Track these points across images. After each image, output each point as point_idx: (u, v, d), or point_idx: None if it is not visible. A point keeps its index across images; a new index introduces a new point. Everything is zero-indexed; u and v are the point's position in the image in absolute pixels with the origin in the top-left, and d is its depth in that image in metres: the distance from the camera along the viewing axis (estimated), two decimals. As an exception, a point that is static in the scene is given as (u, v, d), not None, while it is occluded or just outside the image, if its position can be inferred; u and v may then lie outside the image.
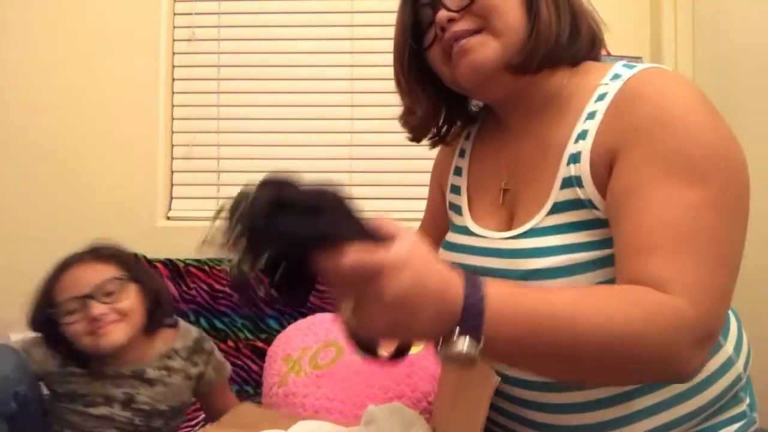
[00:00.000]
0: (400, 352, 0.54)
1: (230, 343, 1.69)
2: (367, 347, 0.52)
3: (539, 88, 0.69)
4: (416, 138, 0.80)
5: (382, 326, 0.47)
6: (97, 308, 1.07)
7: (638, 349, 0.52)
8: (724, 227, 0.57)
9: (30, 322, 1.17)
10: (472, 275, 0.51)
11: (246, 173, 1.95)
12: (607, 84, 0.65)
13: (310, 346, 1.51)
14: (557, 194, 0.65)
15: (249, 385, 1.56)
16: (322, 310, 1.70)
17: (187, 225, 1.88)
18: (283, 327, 1.66)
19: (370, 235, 0.50)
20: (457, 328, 0.48)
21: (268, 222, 0.46)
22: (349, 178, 1.93)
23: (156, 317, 1.18)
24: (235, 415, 1.16)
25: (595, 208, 0.62)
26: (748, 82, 1.56)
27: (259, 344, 1.68)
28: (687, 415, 0.64)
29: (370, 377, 1.37)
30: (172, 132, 1.96)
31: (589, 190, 0.62)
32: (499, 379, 0.65)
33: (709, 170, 0.57)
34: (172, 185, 1.96)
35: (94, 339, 1.08)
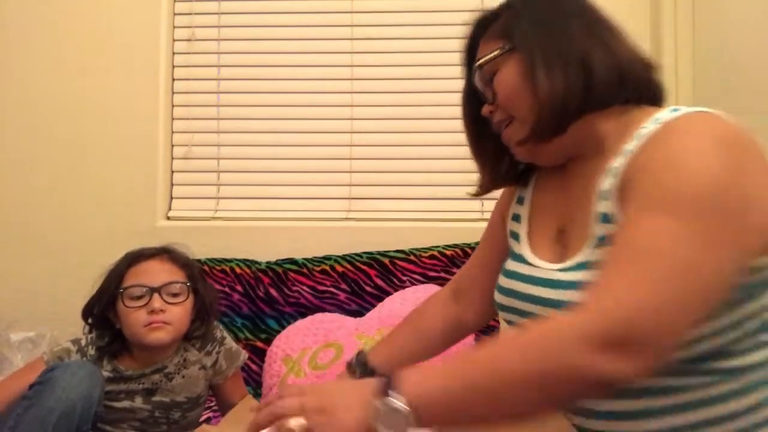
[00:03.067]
0: None
1: (230, 342, 1.69)
2: None
3: (576, 138, 0.74)
4: (482, 190, 0.89)
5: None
6: (159, 303, 1.15)
7: (544, 380, 0.56)
8: (692, 256, 0.57)
9: (88, 305, 1.21)
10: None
11: (246, 173, 1.96)
12: (645, 127, 0.68)
13: (309, 346, 1.51)
14: (597, 229, 0.69)
15: (249, 385, 1.56)
16: (322, 309, 1.70)
17: (187, 225, 1.89)
18: (283, 327, 1.66)
19: None
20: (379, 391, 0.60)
21: None
22: (349, 178, 1.93)
23: (198, 330, 1.24)
24: (236, 415, 1.17)
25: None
26: (748, 82, 1.56)
27: (259, 344, 1.68)
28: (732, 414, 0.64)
29: (369, 377, 1.38)
30: (172, 132, 1.96)
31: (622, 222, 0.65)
32: None
33: (695, 209, 0.59)
34: (172, 185, 1.96)
35: (143, 333, 1.14)
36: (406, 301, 1.54)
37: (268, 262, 1.76)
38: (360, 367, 0.94)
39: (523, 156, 0.80)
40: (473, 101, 0.85)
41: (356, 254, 1.75)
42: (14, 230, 1.88)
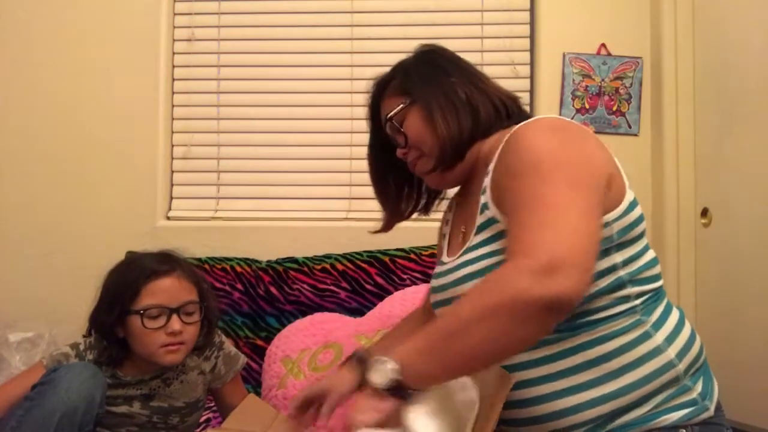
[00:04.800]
0: None
1: (230, 341, 1.68)
2: None
3: (470, 161, 0.95)
4: (385, 228, 1.15)
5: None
6: (178, 325, 1.14)
7: (497, 312, 0.67)
8: (557, 195, 0.73)
9: (95, 316, 1.19)
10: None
11: (246, 173, 1.96)
12: (501, 145, 0.87)
13: (309, 347, 1.51)
14: (479, 218, 0.87)
15: (249, 384, 1.56)
16: (322, 308, 1.70)
17: (187, 225, 1.89)
18: (283, 326, 1.66)
19: None
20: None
21: None
22: (349, 178, 1.94)
23: (198, 339, 1.23)
24: (239, 415, 1.17)
25: (497, 221, 0.83)
26: (747, 82, 1.56)
27: (259, 342, 1.68)
28: (620, 390, 0.78)
29: (369, 377, 1.37)
30: (172, 132, 1.97)
31: (492, 211, 0.83)
32: (514, 378, 0.78)
33: (549, 165, 0.76)
34: (172, 185, 1.97)
35: (159, 354, 1.13)
36: (407, 301, 1.54)
37: (268, 261, 1.77)
38: (357, 361, 0.99)
39: (433, 183, 1.02)
40: (377, 151, 1.11)
41: (356, 253, 1.75)
42: (14, 230, 1.88)
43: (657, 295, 0.85)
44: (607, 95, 1.90)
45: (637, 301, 0.81)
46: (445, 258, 0.99)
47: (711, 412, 0.80)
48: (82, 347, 1.19)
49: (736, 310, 1.54)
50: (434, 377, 0.73)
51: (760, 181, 1.49)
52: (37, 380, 1.05)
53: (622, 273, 0.80)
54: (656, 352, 0.80)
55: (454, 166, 0.94)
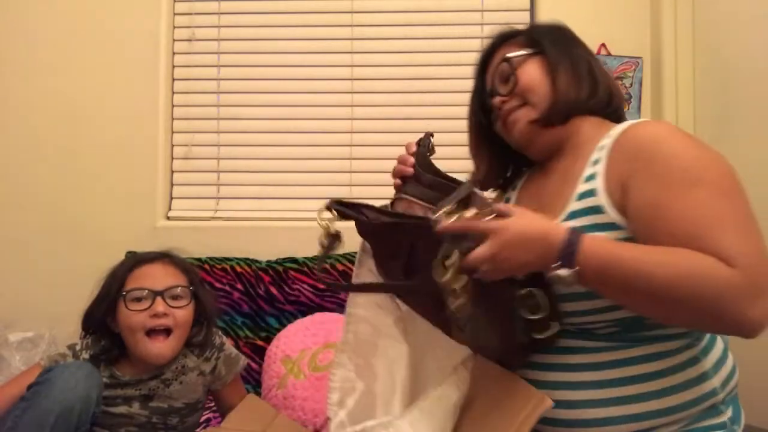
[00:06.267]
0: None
1: (230, 341, 1.68)
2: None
3: (565, 134, 0.92)
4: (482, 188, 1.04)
5: (502, 266, 0.74)
6: (162, 306, 1.14)
7: (699, 289, 0.68)
8: (734, 205, 0.73)
9: (88, 312, 1.20)
10: (574, 229, 0.74)
11: (246, 173, 1.95)
12: (607, 137, 0.85)
13: (309, 347, 1.51)
14: (574, 205, 0.84)
15: (249, 384, 1.56)
16: (322, 308, 1.70)
17: (187, 225, 1.89)
18: (283, 325, 1.66)
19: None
20: (558, 261, 0.72)
21: None
22: (349, 178, 1.93)
23: (197, 336, 1.23)
24: (239, 415, 1.17)
25: (618, 228, 0.79)
26: (747, 82, 1.56)
27: (259, 342, 1.68)
28: (660, 411, 0.77)
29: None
30: (172, 132, 1.97)
31: (612, 215, 0.79)
32: (552, 403, 0.78)
33: (698, 172, 0.75)
34: (172, 185, 1.96)
35: (145, 343, 1.13)
36: (406, 301, 1.54)
37: (268, 261, 1.76)
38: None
39: (520, 138, 0.95)
40: (481, 112, 1.02)
41: (356, 253, 1.74)
42: (14, 230, 1.88)
43: None
44: (608, 95, 1.90)
45: None
46: None
47: None
48: (78, 347, 1.19)
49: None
50: (598, 275, 0.72)
51: (760, 181, 1.48)
52: (34, 379, 1.05)
53: None
54: (703, 378, 0.80)
55: (553, 127, 0.91)
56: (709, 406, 0.79)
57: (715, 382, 0.80)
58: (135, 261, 1.21)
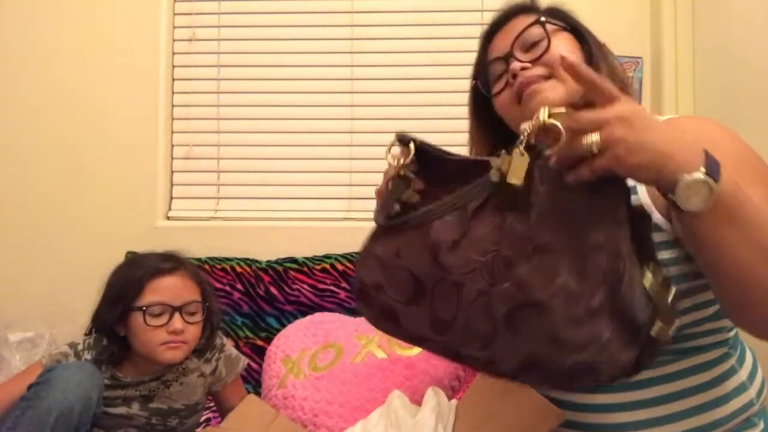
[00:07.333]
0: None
1: (230, 341, 1.69)
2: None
3: None
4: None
5: (636, 148, 0.56)
6: (180, 323, 1.14)
7: None
8: None
9: (98, 314, 1.19)
10: None
11: (246, 173, 1.95)
12: None
13: (309, 347, 1.51)
14: None
15: (249, 384, 1.56)
16: (322, 308, 1.70)
17: (187, 225, 1.89)
18: (283, 326, 1.66)
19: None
20: (704, 165, 0.56)
21: None
22: (349, 178, 1.93)
23: (204, 344, 1.24)
24: (239, 415, 1.17)
25: (660, 229, 0.72)
26: (748, 82, 1.56)
27: (259, 342, 1.68)
28: (703, 426, 0.74)
29: (368, 380, 1.37)
30: (172, 132, 1.96)
31: (655, 217, 0.72)
32: (565, 414, 0.76)
33: (764, 169, 0.70)
34: (172, 185, 1.96)
35: (160, 352, 1.14)
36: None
37: (268, 261, 1.77)
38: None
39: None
40: (485, 87, 0.88)
41: (356, 253, 1.74)
42: (13, 230, 1.88)
43: (737, 329, 0.80)
44: (607, 95, 1.90)
45: (731, 333, 0.78)
46: None
47: None
48: (80, 347, 1.18)
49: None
50: (731, 207, 0.58)
51: (760, 181, 1.48)
52: (35, 379, 1.05)
53: None
54: (741, 388, 0.76)
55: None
56: (746, 418, 0.77)
57: (752, 392, 0.77)
58: (153, 270, 1.18)
